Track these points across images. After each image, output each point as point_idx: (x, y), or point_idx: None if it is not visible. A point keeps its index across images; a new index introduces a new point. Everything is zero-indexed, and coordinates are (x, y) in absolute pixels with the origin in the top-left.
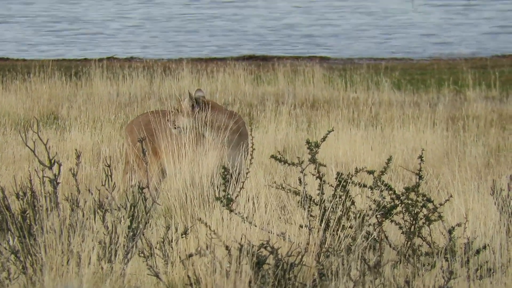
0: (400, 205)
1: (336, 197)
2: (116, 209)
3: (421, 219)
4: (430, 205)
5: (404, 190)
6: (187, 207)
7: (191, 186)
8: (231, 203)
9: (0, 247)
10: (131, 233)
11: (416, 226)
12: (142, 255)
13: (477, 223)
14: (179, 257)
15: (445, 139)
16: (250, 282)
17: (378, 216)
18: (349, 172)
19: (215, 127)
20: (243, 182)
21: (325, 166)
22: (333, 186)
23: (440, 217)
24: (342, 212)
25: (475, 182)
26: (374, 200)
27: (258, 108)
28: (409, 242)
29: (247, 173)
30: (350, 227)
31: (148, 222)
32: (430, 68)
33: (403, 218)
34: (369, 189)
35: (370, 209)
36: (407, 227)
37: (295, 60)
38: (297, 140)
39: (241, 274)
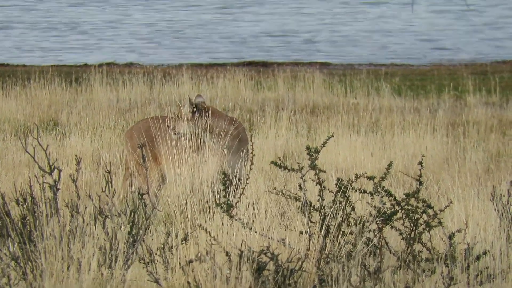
0: (400, 211)
1: (336, 203)
2: (116, 215)
3: (421, 225)
4: (430, 211)
5: (404, 196)
6: (187, 213)
7: (191, 192)
8: (231, 209)
9: (0, 253)
10: (131, 239)
11: (416, 232)
12: (142, 261)
13: (477, 229)
14: (179, 263)
15: (445, 145)
16: None
17: (378, 222)
18: (349, 178)
19: (215, 133)
20: (243, 188)
21: (325, 172)
22: (333, 192)
23: (440, 223)
24: (342, 218)
25: (475, 188)
26: (374, 206)
27: (258, 114)
28: (409, 248)
29: (247, 179)
30: (350, 233)
31: (148, 228)
32: (430, 74)
33: (403, 224)
34: (369, 195)
35: (370, 215)
36: (407, 233)
37: (295, 66)
38: (297, 146)
39: (241, 280)
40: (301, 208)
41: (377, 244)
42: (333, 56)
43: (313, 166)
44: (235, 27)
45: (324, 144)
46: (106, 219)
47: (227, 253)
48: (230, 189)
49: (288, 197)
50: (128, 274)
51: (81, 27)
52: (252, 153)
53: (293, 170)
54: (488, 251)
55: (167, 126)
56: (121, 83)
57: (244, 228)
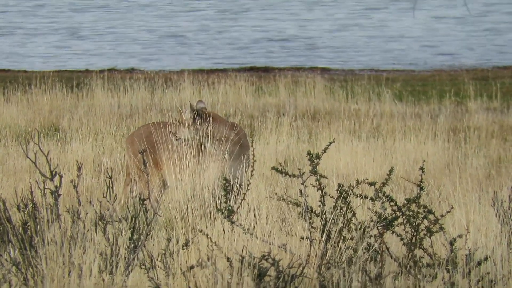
0: (401, 216)
1: (337, 209)
2: (117, 221)
3: (422, 230)
4: (431, 217)
5: (405, 201)
6: (188, 218)
7: (192, 198)
8: (232, 214)
9: (1, 259)
10: (132, 245)
11: (417, 238)
12: (143, 267)
13: (478, 235)
14: (180, 269)
15: (446, 150)
16: None
17: (379, 227)
18: (350, 184)
19: (216, 139)
20: (244, 194)
21: (326, 177)
22: (334, 198)
23: (441, 228)
24: (343, 223)
25: (476, 193)
26: (376, 211)
27: (259, 119)
28: (411, 254)
29: (248, 185)
30: (351, 238)
31: (149, 234)
32: (431, 79)
33: (404, 230)
34: (371, 200)
35: (371, 221)
36: (408, 239)
37: (296, 71)
38: (298, 151)
39: (243, 285)
40: (302, 214)
41: (378, 250)
42: (334, 62)
43: (314, 172)
44: (236, 33)
45: (325, 150)
46: (107, 224)
47: (228, 259)
48: (231, 195)
49: (289, 202)
50: (129, 280)
51: (83, 32)
52: (253, 158)
53: (294, 176)
54: (489, 256)
55: (168, 131)
56: (122, 89)
57: (245, 234)
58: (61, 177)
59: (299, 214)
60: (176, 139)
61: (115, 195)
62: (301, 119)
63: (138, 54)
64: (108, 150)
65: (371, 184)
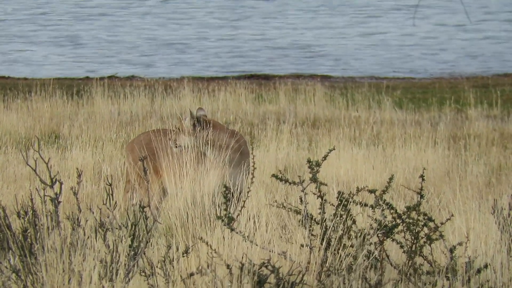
0: (401, 224)
1: (337, 216)
2: (117, 228)
3: (422, 238)
4: (431, 224)
5: (405, 209)
6: (188, 226)
7: (192, 205)
8: (232, 222)
9: (1, 266)
10: (132, 252)
11: (417, 245)
12: (143, 274)
13: (478, 242)
14: (180, 276)
15: (446, 158)
16: None
17: (379, 235)
18: (350, 191)
19: (217, 146)
20: (244, 201)
21: (326, 185)
22: (334, 205)
23: (441, 236)
24: (343, 231)
25: (476, 201)
26: (376, 219)
27: (259, 127)
28: (411, 261)
29: (248, 192)
30: (351, 246)
31: (149, 241)
32: (431, 87)
33: (404, 237)
34: (371, 208)
35: (372, 228)
36: (408, 246)
37: (296, 78)
38: (298, 159)
39: None
40: (302, 221)
41: (378, 257)
42: (335, 69)
43: (314, 179)
44: (236, 40)
45: (325, 157)
46: (107, 231)
47: (228, 266)
48: (231, 202)
49: (289, 210)
50: (129, 287)
51: (83, 40)
52: (253, 166)
53: (294, 183)
54: (489, 264)
55: (168, 139)
56: (123, 96)
57: (245, 241)
58: (61, 184)
59: (299, 221)
60: (176, 147)
61: (115, 202)
62: (301, 126)
63: (138, 61)
64: (108, 157)
65: (371, 191)
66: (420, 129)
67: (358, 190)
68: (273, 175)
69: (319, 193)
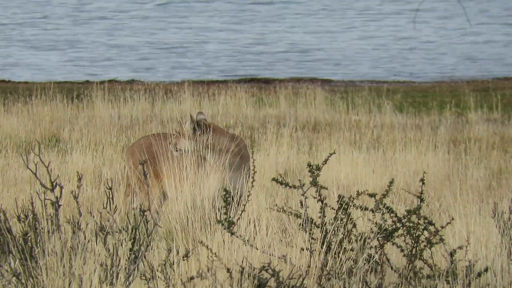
0: (401, 227)
1: (337, 220)
2: (117, 232)
3: (422, 241)
4: (431, 228)
5: (405, 212)
6: (188, 229)
7: (192, 209)
8: (233, 225)
9: (2, 270)
10: (133, 256)
11: (417, 249)
12: (144, 277)
13: (479, 246)
14: (181, 279)
15: (446, 161)
16: None
17: (379, 238)
18: (351, 195)
19: (217, 150)
20: (245, 205)
21: (326, 188)
22: (334, 209)
23: (441, 239)
24: (344, 234)
25: (477, 204)
26: (376, 222)
27: (259, 130)
28: (411, 265)
29: (248, 196)
30: (352, 249)
31: (150, 245)
32: (432, 90)
33: (404, 241)
34: (371, 211)
35: (372, 232)
36: (408, 250)
37: (297, 82)
38: (299, 162)
39: None
40: (302, 225)
41: (379, 261)
42: (335, 73)
43: (314, 183)
44: (237, 44)
45: (325, 161)
46: (107, 235)
47: (228, 270)
48: (231, 206)
49: (289, 214)
50: None
51: (83, 44)
52: (253, 169)
53: (294, 187)
54: (490, 268)
55: (169, 143)
56: (123, 100)
57: (245, 245)
58: (61, 188)
59: (300, 225)
60: (177, 150)
61: (116, 206)
62: (301, 130)
63: (138, 65)
64: (109, 161)
65: (372, 195)
66: (421, 133)
67: (358, 194)
68: (274, 179)
69: (319, 197)
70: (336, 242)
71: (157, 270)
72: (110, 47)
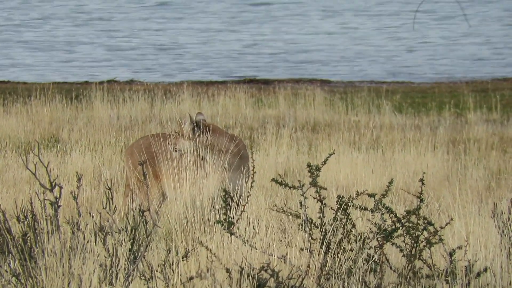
0: (401, 228)
1: (337, 220)
2: (117, 232)
3: (422, 242)
4: (431, 228)
5: (405, 213)
6: (187, 230)
7: (191, 209)
8: (232, 226)
9: (1, 270)
10: (132, 256)
11: (417, 249)
12: (143, 278)
13: (478, 246)
14: (180, 280)
15: (446, 162)
16: None
17: (379, 238)
18: (350, 195)
19: (216, 150)
20: (244, 205)
21: (326, 189)
22: (334, 209)
23: (441, 240)
24: (343, 235)
25: (476, 205)
26: (375, 223)
27: (259, 131)
28: (410, 265)
29: (248, 196)
30: (351, 250)
31: (149, 245)
32: (431, 91)
33: (404, 241)
34: (370, 212)
35: (371, 232)
36: (408, 250)
37: (296, 83)
38: (298, 163)
39: None
40: (302, 225)
41: (378, 261)
42: (334, 74)
43: (314, 184)
44: (236, 45)
45: (325, 162)
46: (106, 235)
47: (227, 270)
48: (230, 206)
49: (289, 214)
50: None
51: (82, 44)
52: (253, 170)
53: (293, 187)
54: (489, 268)
55: (168, 143)
56: (122, 101)
57: (245, 245)
58: (60, 188)
59: (299, 225)
60: (176, 151)
61: (115, 206)
62: (301, 130)
63: (137, 65)
64: (108, 162)
65: (371, 195)
66: (420, 133)
67: (357, 194)
68: (273, 179)
69: (318, 197)
70: (335, 242)
71: (157, 270)
72: (109, 48)
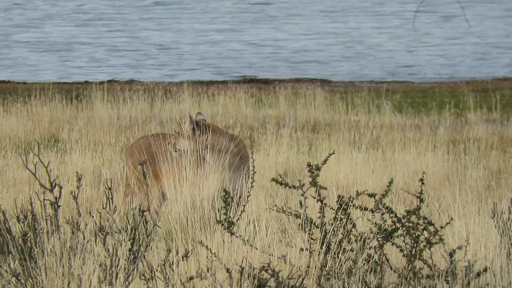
0: (401, 228)
1: (337, 220)
2: (117, 232)
3: (422, 242)
4: (431, 228)
5: (405, 213)
6: (188, 230)
7: (192, 209)
8: (232, 226)
9: (1, 270)
10: (132, 256)
11: (417, 249)
12: (143, 277)
13: (478, 246)
14: (180, 280)
15: (446, 162)
16: None
17: (379, 239)
18: (350, 195)
19: (216, 150)
20: (244, 205)
21: (326, 189)
22: (334, 209)
23: (441, 240)
24: (343, 235)
25: (476, 205)
26: (375, 223)
27: (259, 131)
28: (410, 265)
29: (248, 196)
30: (351, 250)
31: (149, 245)
32: (431, 91)
33: (404, 241)
34: (370, 212)
35: (371, 232)
36: (408, 250)
37: (296, 82)
38: (298, 163)
39: None
40: (302, 225)
41: (378, 261)
42: (335, 74)
43: (314, 183)
44: (236, 44)
45: (325, 161)
46: (106, 235)
47: (227, 270)
48: (230, 206)
49: (289, 214)
50: None
51: (82, 44)
52: (253, 170)
53: (294, 187)
54: (489, 268)
55: (168, 143)
56: (122, 100)
57: (245, 245)
58: (60, 188)
59: (299, 225)
60: (176, 151)
61: (115, 206)
62: (301, 130)
63: (137, 65)
64: (108, 161)
65: (371, 195)
66: (420, 133)
67: (357, 194)
68: (273, 179)
69: (319, 197)
70: (335, 242)
71: (157, 270)
72: (109, 47)
